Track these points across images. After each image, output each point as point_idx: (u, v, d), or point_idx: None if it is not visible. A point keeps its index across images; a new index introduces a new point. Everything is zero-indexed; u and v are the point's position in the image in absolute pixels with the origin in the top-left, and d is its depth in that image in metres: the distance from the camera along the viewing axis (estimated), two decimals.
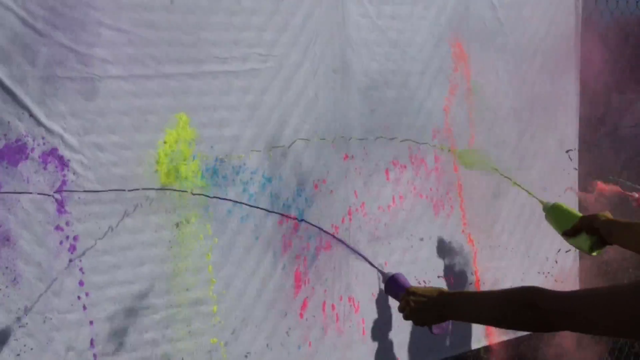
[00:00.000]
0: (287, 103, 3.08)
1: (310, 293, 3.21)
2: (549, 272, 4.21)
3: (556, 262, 4.26)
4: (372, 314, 3.42)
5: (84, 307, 2.62)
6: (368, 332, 3.41)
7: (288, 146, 3.10)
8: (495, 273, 3.95)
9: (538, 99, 4.08)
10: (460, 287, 3.78)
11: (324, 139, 3.21)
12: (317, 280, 3.23)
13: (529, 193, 3.33)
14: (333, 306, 3.29)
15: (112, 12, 2.60)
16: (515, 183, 3.46)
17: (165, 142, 2.77)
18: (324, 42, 3.17)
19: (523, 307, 2.11)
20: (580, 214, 3.02)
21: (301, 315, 3.19)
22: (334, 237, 3.18)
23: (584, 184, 4.32)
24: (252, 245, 3.03)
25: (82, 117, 2.57)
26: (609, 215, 2.89)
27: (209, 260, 2.92)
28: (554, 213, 3.11)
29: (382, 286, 2.67)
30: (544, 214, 3.15)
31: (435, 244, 3.66)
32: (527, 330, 2.36)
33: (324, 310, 3.26)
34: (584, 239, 2.94)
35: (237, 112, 2.94)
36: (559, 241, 4.22)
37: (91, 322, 2.64)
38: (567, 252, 4.22)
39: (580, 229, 2.94)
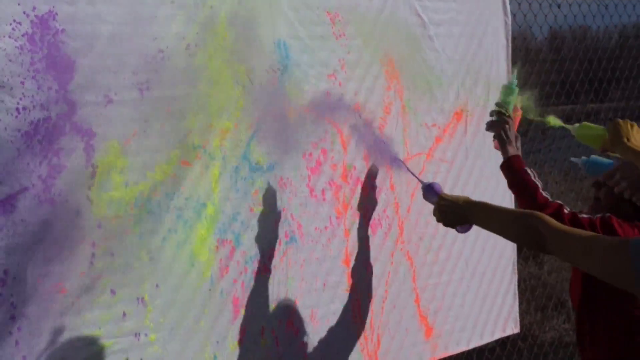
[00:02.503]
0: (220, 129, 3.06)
1: (249, 318, 3.19)
2: (488, 286, 4.25)
3: (494, 275, 4.29)
4: (312, 336, 3.41)
5: (17, 342, 2.56)
6: (310, 355, 3.39)
7: (221, 172, 3.08)
8: (434, 289, 3.96)
9: (471, 116, 4.11)
10: (400, 304, 3.79)
11: (258, 162, 3.20)
12: (255, 304, 3.20)
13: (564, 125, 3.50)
14: (273, 330, 3.27)
15: (36, 40, 2.56)
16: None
17: (97, 171, 2.73)
18: (254, 64, 3.16)
19: (527, 229, 2.52)
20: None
21: (240, 341, 3.16)
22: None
23: None
24: (188, 272, 3.00)
25: (8, 149, 2.52)
26: None
27: (145, 288, 2.88)
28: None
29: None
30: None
31: (374, 262, 3.66)
32: (528, 248, 3.08)
33: (262, 335, 3.24)
34: None
35: (168, 137, 2.91)
36: (497, 255, 4.28)
37: (24, 357, 2.58)
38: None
39: None
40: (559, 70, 5.42)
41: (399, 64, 3.74)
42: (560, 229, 2.47)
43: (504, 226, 2.69)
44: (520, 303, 4.51)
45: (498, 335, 4.38)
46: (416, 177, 3.29)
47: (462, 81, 4.07)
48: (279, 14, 3.24)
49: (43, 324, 2.62)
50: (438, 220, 2.99)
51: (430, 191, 3.11)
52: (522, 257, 4.45)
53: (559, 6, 5.15)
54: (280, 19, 3.25)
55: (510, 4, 4.34)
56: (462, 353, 4.29)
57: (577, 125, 3.31)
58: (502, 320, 4.37)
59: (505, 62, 4.32)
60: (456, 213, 2.90)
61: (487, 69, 4.19)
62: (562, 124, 3.47)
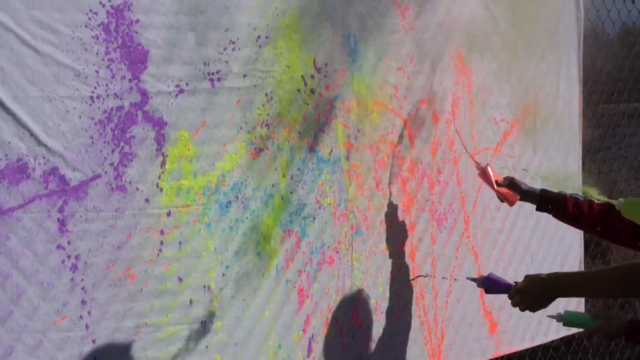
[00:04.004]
0: (288, 120, 3.08)
1: (314, 308, 3.21)
2: None
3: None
4: (376, 328, 3.42)
5: (87, 326, 2.62)
6: (373, 347, 3.40)
7: (288, 163, 3.10)
8: None
9: (540, 110, 4.08)
10: (465, 298, 3.78)
11: (325, 154, 3.21)
12: (320, 295, 3.23)
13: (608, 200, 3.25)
14: (337, 321, 3.28)
15: (111, 30, 2.61)
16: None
17: (167, 160, 2.77)
18: (324, 57, 3.18)
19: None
20: None
21: (305, 330, 3.19)
22: None
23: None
24: (254, 261, 3.03)
25: (82, 136, 2.57)
26: None
27: (211, 277, 2.92)
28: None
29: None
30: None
31: (439, 256, 3.66)
32: None
33: (327, 325, 3.26)
34: None
35: (237, 128, 2.94)
36: (563, 251, 4.24)
37: (94, 341, 2.64)
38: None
39: None
40: (631, 67, 5.35)
41: (468, 58, 3.72)
42: None
43: (610, 285, 2.62)
44: (587, 301, 4.45)
45: (563, 333, 4.33)
46: (471, 278, 3.16)
47: (531, 77, 4.03)
48: (349, 7, 3.25)
49: (112, 308, 2.67)
50: (523, 309, 2.83)
51: (491, 284, 2.91)
52: (589, 256, 4.41)
53: (633, 1, 5.08)
54: (350, 12, 3.25)
55: None
56: (526, 350, 4.26)
57: (622, 200, 2.95)
58: None
59: (576, 57, 4.27)
60: (543, 293, 2.77)
61: (557, 65, 4.14)
62: (607, 199, 3.27)
